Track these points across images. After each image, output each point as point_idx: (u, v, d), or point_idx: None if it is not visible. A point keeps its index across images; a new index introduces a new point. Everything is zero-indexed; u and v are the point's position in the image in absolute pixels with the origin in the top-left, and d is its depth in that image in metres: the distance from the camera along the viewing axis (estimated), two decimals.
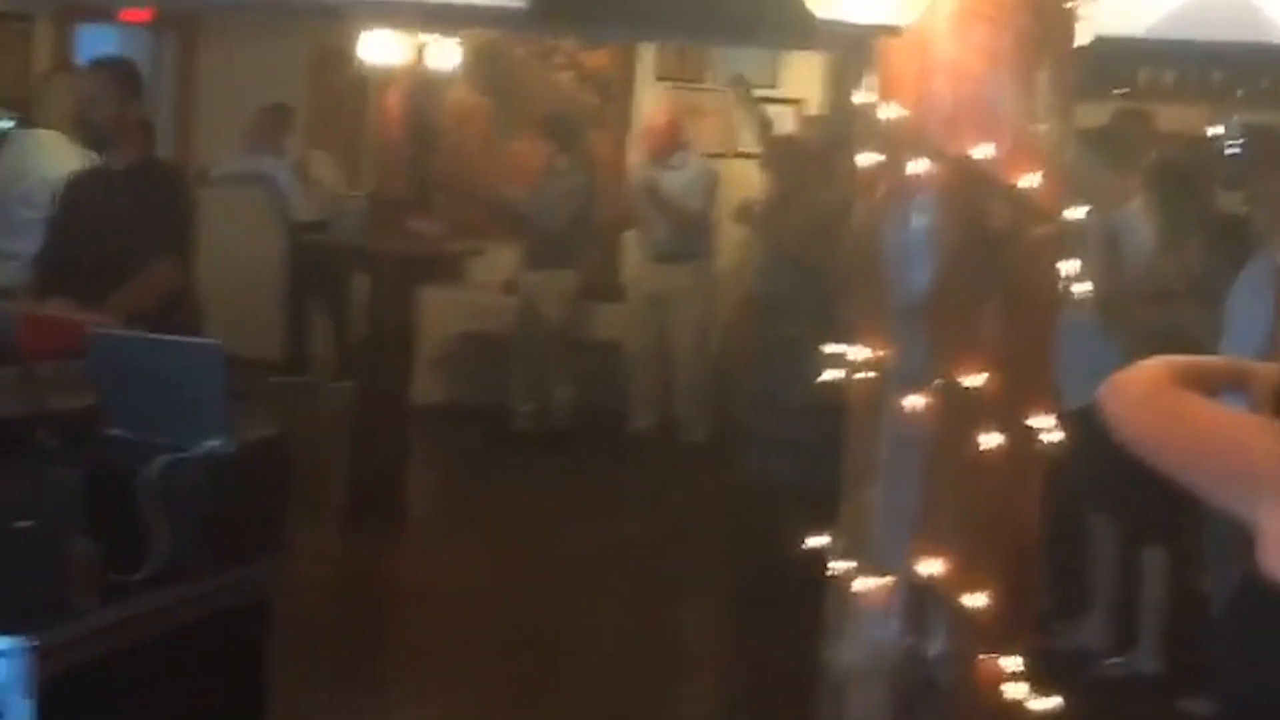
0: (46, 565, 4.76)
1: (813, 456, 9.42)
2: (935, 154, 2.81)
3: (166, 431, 5.21)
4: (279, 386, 12.27)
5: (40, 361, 5.37)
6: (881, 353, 2.88)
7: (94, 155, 7.18)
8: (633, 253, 12.38)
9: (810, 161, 10.61)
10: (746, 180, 11.35)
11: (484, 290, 12.70)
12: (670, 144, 11.75)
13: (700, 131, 12.22)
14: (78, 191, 7.14)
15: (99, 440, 5.31)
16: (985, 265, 2.83)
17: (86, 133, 7.17)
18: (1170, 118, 10.87)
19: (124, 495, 5.07)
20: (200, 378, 5.30)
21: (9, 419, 5.21)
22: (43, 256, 7.07)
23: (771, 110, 12.23)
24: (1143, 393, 2.75)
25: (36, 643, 4.60)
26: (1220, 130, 12.24)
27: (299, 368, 13.25)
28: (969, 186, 2.81)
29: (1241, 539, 2.79)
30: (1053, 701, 2.93)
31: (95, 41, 11.92)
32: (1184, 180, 7.74)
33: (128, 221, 6.82)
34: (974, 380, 2.80)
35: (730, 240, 11.64)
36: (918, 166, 2.81)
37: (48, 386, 5.32)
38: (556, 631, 7.96)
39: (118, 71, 7.19)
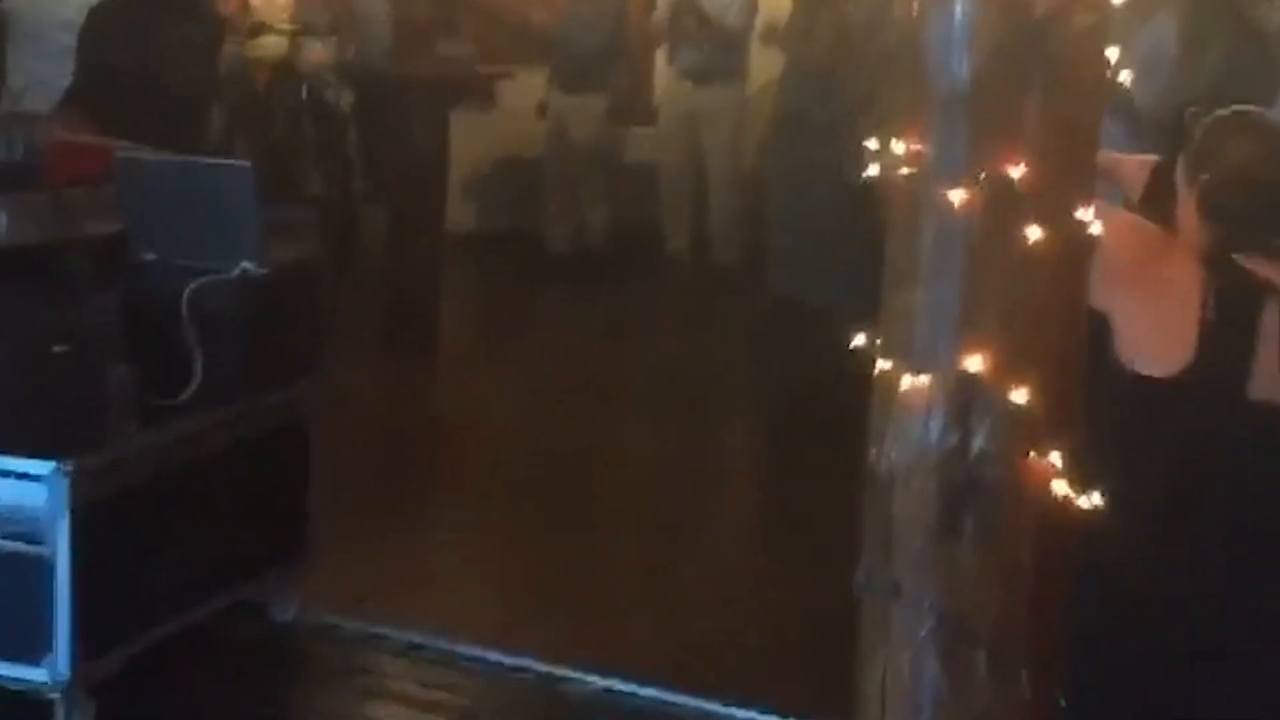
0: (83, 390, 4.78)
1: (832, 273, 9.43)
2: None
3: (199, 255, 5.20)
4: (312, 212, 12.19)
5: (70, 188, 5.34)
6: (922, 147, 2.83)
7: None
8: (665, 75, 12.25)
9: None
10: None
11: (516, 115, 12.60)
12: None
13: None
14: (100, 21, 7.07)
15: (132, 265, 5.30)
16: (1028, 54, 2.76)
17: None
18: None
19: (159, 319, 5.07)
20: (231, 199, 5.28)
21: (41, 245, 5.21)
22: (73, 85, 7.02)
23: None
24: None
25: (74, 467, 4.62)
26: None
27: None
28: None
29: None
30: (1098, 498, 2.91)
31: None
32: None
33: (154, 48, 6.77)
34: (1017, 172, 2.75)
35: (761, 59, 11.49)
36: None
37: (78, 212, 5.32)
38: (595, 451, 7.98)
39: None
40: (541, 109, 12.26)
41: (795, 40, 10.28)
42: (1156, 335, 3.63)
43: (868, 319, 3.02)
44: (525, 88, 12.30)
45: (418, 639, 5.78)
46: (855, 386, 3.10)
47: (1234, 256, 3.66)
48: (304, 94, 10.84)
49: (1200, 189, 3.69)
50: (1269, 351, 3.60)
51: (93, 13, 7.13)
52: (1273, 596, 3.66)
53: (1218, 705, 3.65)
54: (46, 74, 7.35)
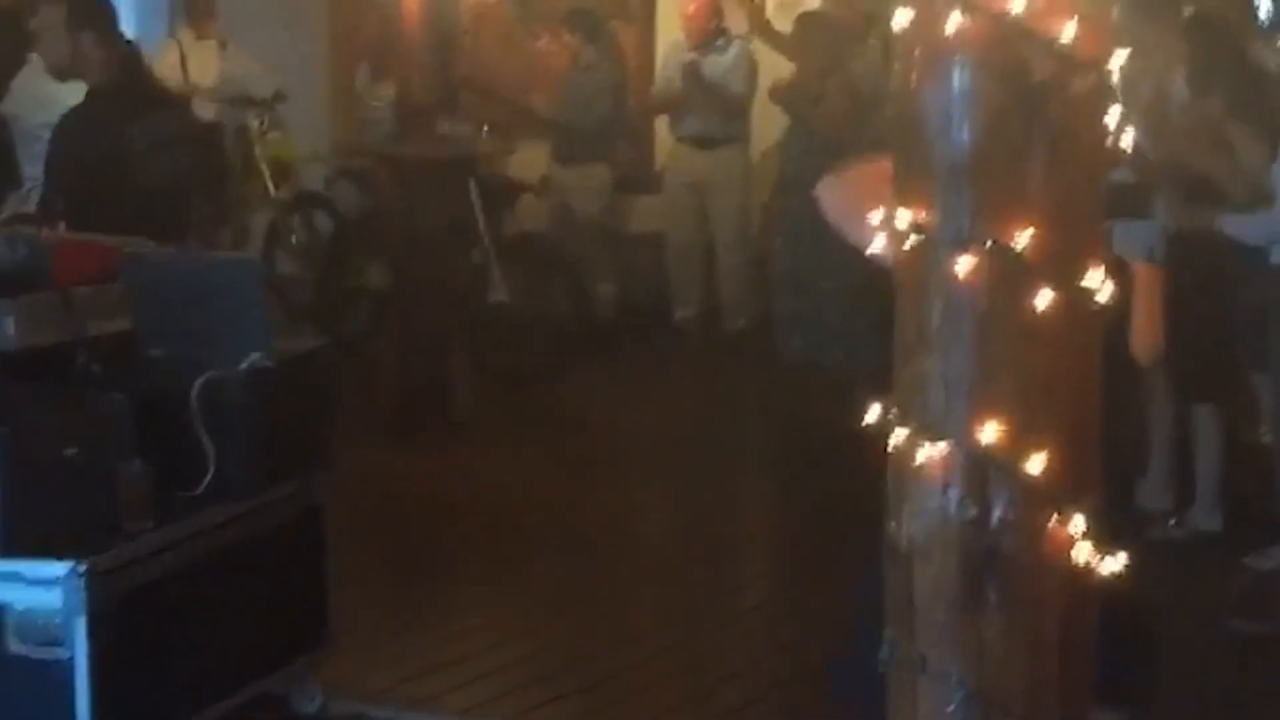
0: (96, 490, 4.77)
1: (841, 339, 9.44)
2: (971, 8, 2.74)
3: (208, 349, 5.20)
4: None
5: (76, 287, 5.34)
6: (926, 216, 2.82)
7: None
8: (666, 143, 12.24)
9: (841, 38, 10.50)
10: (769, 61, 11.22)
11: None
12: (711, 28, 11.54)
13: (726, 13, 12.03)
14: (71, 127, 6.97)
15: (140, 362, 5.30)
16: (1028, 120, 2.75)
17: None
18: None
19: (170, 415, 5.07)
20: (238, 293, 5.28)
21: (50, 346, 5.20)
22: (49, 192, 6.92)
23: None
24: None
25: (89, 568, 4.61)
26: None
27: None
28: (1008, 40, 2.74)
29: None
30: (1119, 561, 2.89)
31: None
32: (1219, 32, 7.68)
33: (131, 150, 6.71)
34: (1023, 238, 2.74)
35: (764, 123, 11.49)
36: (954, 22, 2.74)
37: (86, 312, 5.31)
38: (612, 526, 7.94)
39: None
40: (543, 183, 12.26)
41: (805, 104, 10.26)
42: None
43: (882, 384, 3.01)
44: (525, 162, 12.27)
45: None
46: (872, 453, 3.08)
47: None
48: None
49: None
50: None
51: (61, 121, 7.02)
52: None
53: None
54: (38, 176, 7.32)
